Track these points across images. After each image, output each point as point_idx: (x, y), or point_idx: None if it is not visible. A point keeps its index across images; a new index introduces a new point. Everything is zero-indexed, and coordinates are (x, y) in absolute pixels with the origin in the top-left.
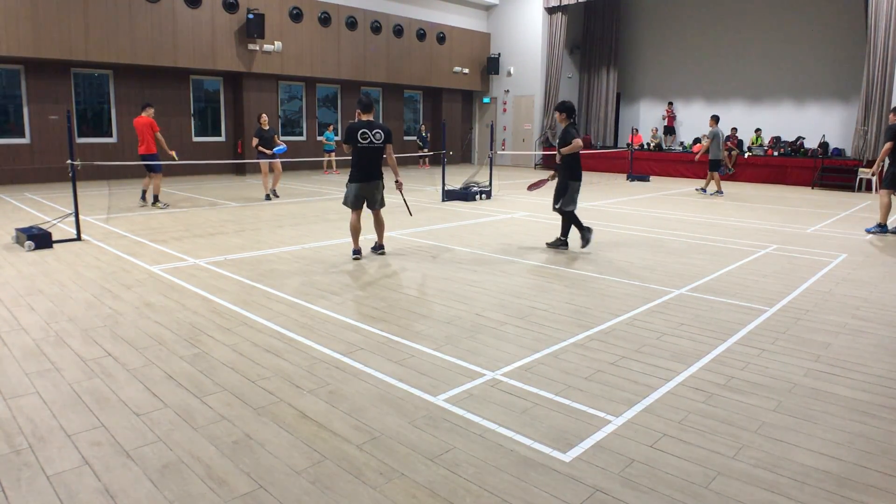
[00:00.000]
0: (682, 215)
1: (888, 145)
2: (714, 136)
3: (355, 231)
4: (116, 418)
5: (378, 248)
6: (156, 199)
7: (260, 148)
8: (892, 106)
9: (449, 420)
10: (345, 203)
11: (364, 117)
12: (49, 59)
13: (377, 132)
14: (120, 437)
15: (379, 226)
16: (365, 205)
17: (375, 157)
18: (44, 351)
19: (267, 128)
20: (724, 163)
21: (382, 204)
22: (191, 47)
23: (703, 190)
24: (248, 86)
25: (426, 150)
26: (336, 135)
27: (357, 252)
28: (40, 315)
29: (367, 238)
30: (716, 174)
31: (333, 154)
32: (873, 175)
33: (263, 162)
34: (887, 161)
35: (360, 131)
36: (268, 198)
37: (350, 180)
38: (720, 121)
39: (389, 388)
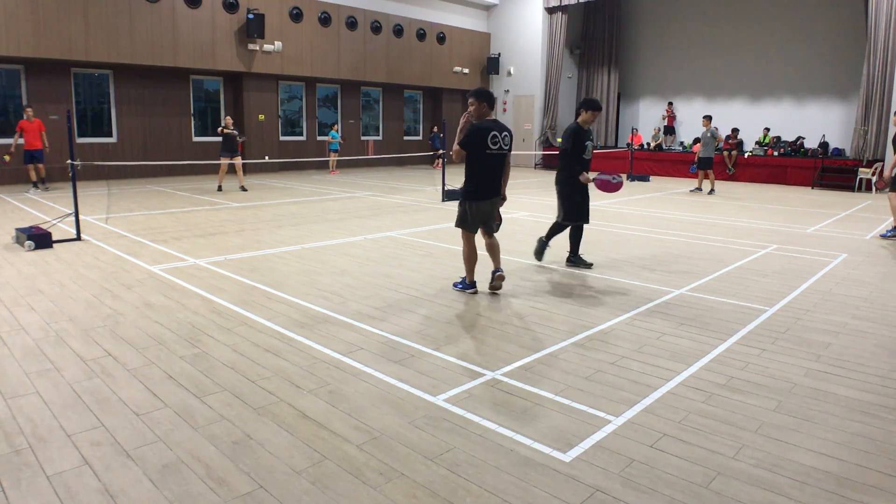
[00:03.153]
0: (683, 215)
1: None
2: (713, 135)
3: (472, 260)
4: (116, 418)
5: (497, 272)
6: (42, 181)
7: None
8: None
9: (449, 420)
10: (461, 225)
11: (487, 115)
12: (49, 59)
13: (506, 135)
14: (120, 437)
15: (494, 249)
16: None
17: (500, 167)
18: (44, 351)
19: (230, 129)
20: (727, 163)
21: (499, 225)
22: (191, 47)
23: (701, 189)
24: (248, 86)
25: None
26: (339, 134)
27: (473, 286)
28: (40, 315)
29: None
30: (709, 171)
31: (336, 154)
32: (873, 175)
33: (224, 160)
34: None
35: (491, 134)
36: (219, 189)
37: (468, 197)
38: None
39: (389, 388)
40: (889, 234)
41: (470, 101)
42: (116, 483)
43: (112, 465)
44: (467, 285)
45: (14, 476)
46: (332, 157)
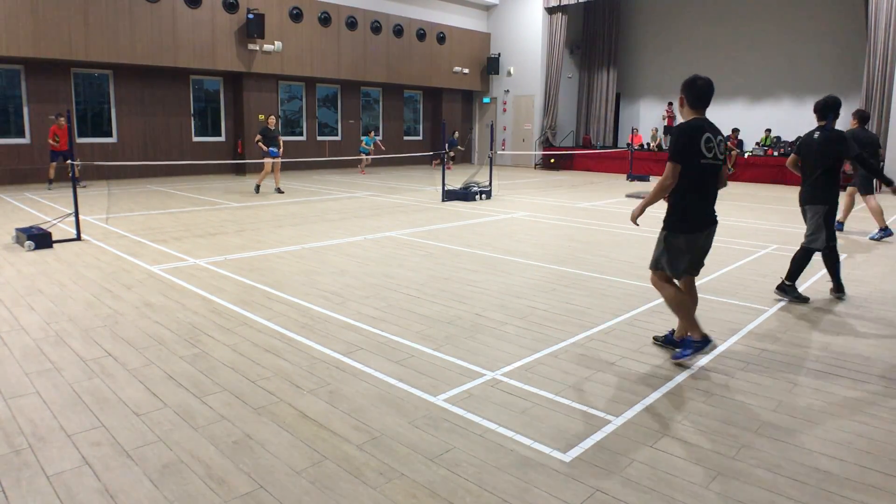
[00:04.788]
0: None
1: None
2: None
3: (687, 305)
4: (116, 418)
5: (703, 342)
6: (77, 179)
7: (261, 145)
8: (854, 110)
9: (449, 420)
10: (668, 268)
11: (695, 114)
12: (49, 59)
13: (721, 140)
14: (120, 437)
15: (694, 306)
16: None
17: (715, 183)
18: (44, 351)
19: (272, 128)
20: (727, 162)
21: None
22: (191, 47)
23: None
24: (248, 86)
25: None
26: (373, 140)
27: (707, 341)
28: (40, 315)
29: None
30: None
31: (368, 156)
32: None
33: (267, 160)
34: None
35: (705, 137)
36: (257, 189)
37: (676, 228)
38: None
39: (389, 388)
40: (877, 235)
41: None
42: (116, 483)
43: (112, 465)
44: (697, 343)
45: (14, 476)
46: (364, 158)
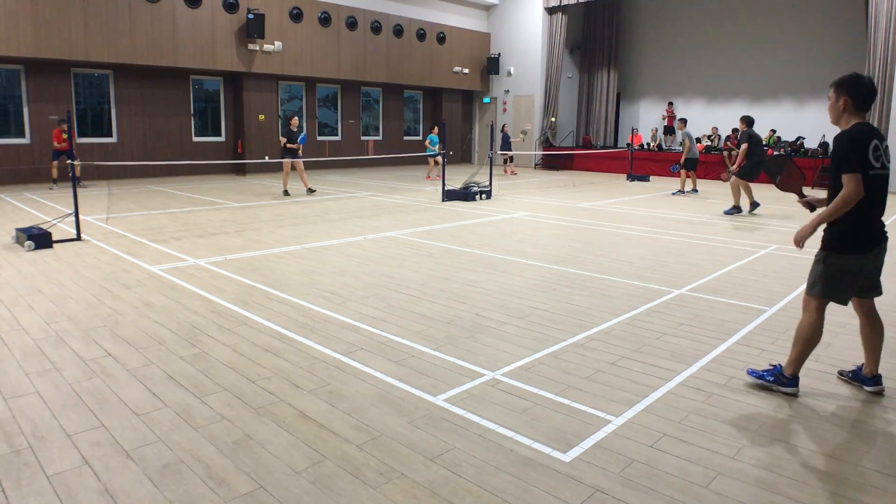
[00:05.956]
0: (682, 215)
1: (744, 147)
2: (688, 137)
3: (812, 343)
4: (116, 418)
5: (790, 382)
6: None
7: (288, 146)
8: (742, 115)
9: (449, 420)
10: (825, 294)
11: (858, 118)
12: (49, 59)
13: (886, 146)
14: (120, 437)
15: (877, 333)
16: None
17: (885, 194)
18: (44, 351)
19: (295, 129)
20: (727, 163)
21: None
22: (191, 47)
23: (684, 192)
24: (248, 86)
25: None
26: (439, 138)
27: (796, 382)
28: (40, 315)
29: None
30: (692, 172)
31: (437, 159)
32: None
33: (286, 161)
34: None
35: (873, 144)
36: (286, 193)
37: (840, 248)
38: (687, 123)
39: (389, 388)
40: (729, 211)
41: (829, 94)
42: (116, 483)
43: (112, 465)
44: (786, 380)
45: (14, 476)
46: (433, 161)
